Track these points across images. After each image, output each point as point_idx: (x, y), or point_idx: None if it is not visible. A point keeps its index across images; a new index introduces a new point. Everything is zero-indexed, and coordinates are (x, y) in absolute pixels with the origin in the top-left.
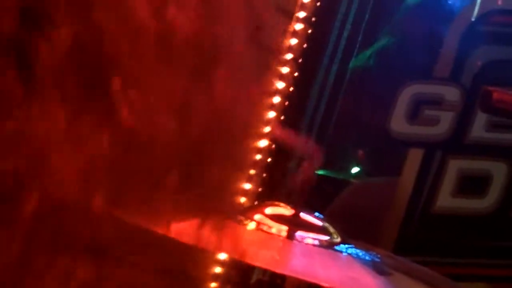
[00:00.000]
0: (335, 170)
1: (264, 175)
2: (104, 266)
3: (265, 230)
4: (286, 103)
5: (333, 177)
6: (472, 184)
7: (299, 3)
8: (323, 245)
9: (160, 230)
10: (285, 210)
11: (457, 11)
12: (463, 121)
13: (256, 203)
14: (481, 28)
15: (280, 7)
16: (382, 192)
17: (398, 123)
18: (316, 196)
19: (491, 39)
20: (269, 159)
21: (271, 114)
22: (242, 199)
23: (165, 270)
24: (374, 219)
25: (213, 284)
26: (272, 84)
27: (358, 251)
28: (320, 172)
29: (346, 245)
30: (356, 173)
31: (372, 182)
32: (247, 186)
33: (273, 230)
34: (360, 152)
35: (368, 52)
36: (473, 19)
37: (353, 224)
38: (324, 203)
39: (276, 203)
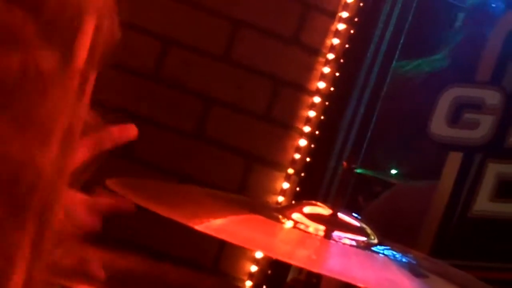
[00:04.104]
0: (374, 170)
1: (303, 174)
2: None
3: (302, 229)
4: (327, 103)
5: (375, 176)
6: (511, 189)
7: (342, 3)
8: (360, 246)
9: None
10: (323, 210)
11: (500, 15)
12: (503, 125)
13: (293, 202)
14: None
15: (323, 7)
16: (423, 195)
17: (438, 126)
18: (363, 195)
19: None
20: (308, 159)
21: (311, 114)
22: (280, 198)
23: (199, 266)
24: (413, 222)
25: (249, 282)
26: (313, 83)
27: (395, 252)
28: (360, 170)
29: (383, 247)
30: (395, 175)
31: (414, 185)
32: (285, 185)
33: (310, 230)
34: (399, 153)
35: (421, 62)
36: None
37: (392, 225)
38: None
39: (314, 202)
